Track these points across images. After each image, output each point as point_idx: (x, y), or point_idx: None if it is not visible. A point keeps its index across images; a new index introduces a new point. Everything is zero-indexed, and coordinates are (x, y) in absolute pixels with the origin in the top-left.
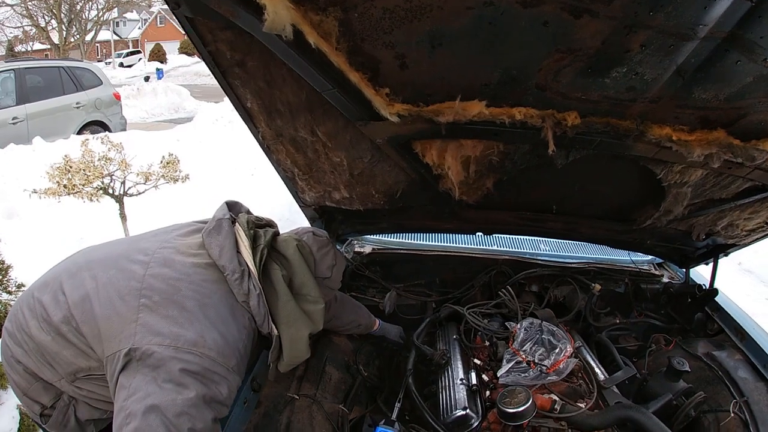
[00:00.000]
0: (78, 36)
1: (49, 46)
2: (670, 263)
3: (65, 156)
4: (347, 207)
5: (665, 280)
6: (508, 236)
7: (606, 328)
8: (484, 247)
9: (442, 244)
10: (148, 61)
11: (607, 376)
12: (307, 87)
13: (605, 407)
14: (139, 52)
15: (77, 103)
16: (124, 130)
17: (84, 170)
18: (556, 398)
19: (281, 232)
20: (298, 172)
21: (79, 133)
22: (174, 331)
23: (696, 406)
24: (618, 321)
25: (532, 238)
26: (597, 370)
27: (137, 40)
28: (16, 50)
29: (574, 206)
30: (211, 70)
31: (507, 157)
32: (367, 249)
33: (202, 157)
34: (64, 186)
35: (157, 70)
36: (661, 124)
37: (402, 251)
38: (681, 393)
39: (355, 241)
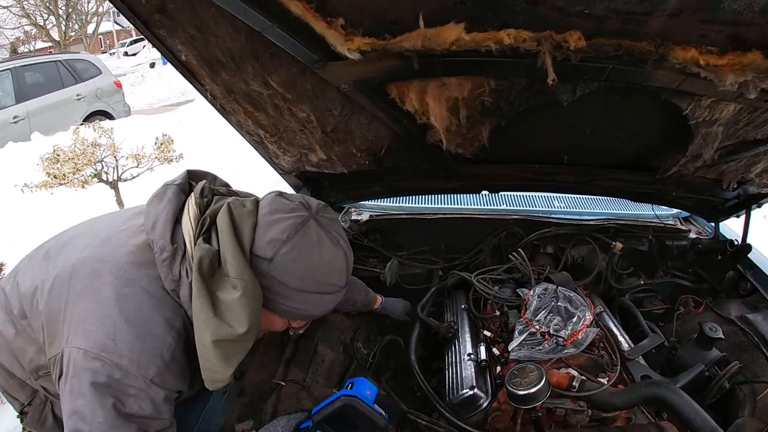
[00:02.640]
0: (79, 29)
1: (51, 44)
2: (697, 217)
3: (54, 146)
4: (330, 171)
5: (692, 235)
6: (517, 194)
7: (629, 291)
8: (492, 207)
9: (447, 206)
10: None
11: (632, 345)
12: (244, 28)
13: (630, 381)
14: (142, 39)
15: (78, 95)
16: (128, 116)
17: (72, 159)
18: (575, 374)
19: None
20: (264, 134)
21: (82, 124)
22: (87, 329)
23: (730, 378)
24: (642, 282)
25: (544, 194)
26: (621, 338)
27: None
28: (19, 51)
29: (588, 155)
30: (132, 23)
31: (501, 96)
32: (365, 216)
33: (202, 137)
34: (54, 176)
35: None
36: (685, 45)
37: (403, 216)
38: (714, 363)
39: (353, 209)
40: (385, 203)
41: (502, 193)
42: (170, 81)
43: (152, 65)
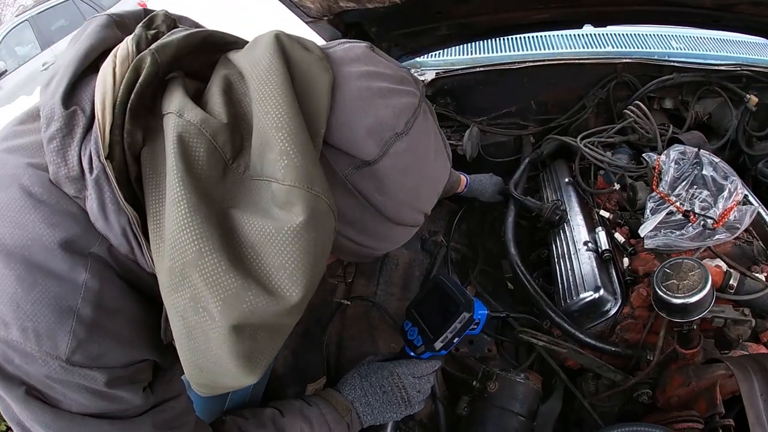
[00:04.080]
0: None
1: None
2: None
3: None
4: (374, 4)
5: None
6: (624, 32)
7: (761, 159)
8: (594, 49)
9: (534, 52)
10: None
11: None
12: None
13: None
14: None
15: None
16: None
17: None
18: (728, 269)
19: None
20: None
21: None
22: None
23: None
24: None
25: (660, 31)
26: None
27: None
28: None
29: None
30: None
31: None
32: (429, 75)
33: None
34: None
35: None
36: None
37: (479, 70)
38: None
39: (412, 69)
40: (453, 57)
41: (607, 30)
42: None
43: None
